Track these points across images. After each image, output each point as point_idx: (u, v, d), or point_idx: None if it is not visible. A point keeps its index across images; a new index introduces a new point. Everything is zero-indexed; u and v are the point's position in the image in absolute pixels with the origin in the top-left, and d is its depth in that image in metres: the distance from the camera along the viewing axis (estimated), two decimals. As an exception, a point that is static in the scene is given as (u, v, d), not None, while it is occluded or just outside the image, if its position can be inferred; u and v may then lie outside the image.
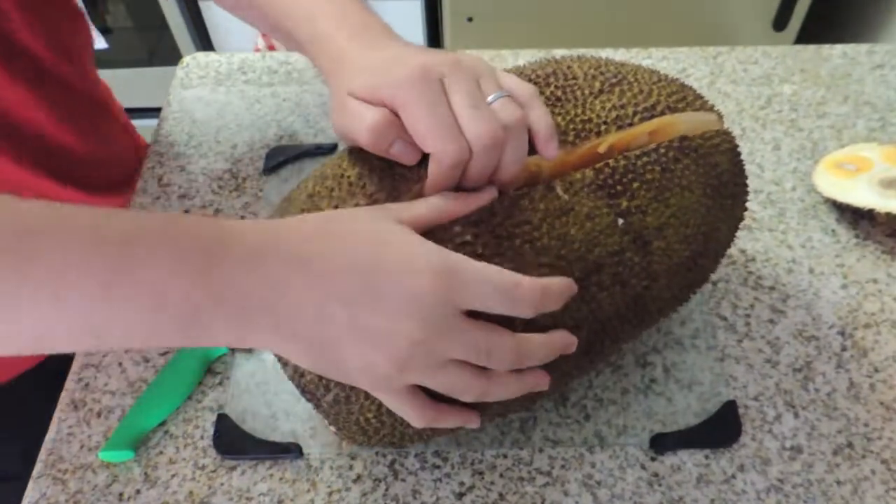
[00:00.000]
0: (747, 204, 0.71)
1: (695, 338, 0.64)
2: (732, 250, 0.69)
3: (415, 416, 0.44)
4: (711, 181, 0.51)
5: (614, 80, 0.51)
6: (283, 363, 0.50)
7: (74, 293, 0.36)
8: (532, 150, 0.47)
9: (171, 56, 1.81)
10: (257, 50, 1.72)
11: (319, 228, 0.42)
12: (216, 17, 1.76)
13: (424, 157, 0.46)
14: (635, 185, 0.48)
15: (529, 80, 0.51)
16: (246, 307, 0.39)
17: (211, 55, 0.90)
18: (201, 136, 0.81)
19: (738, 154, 0.54)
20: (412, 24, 1.68)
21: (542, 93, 0.50)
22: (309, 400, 0.49)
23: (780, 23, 1.63)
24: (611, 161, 0.48)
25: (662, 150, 0.49)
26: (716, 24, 1.65)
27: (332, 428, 0.51)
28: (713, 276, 0.67)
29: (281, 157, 0.78)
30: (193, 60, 0.90)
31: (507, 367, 0.43)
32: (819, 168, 0.72)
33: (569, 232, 0.46)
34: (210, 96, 0.85)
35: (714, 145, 0.52)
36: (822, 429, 0.59)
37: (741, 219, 0.56)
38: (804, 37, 1.64)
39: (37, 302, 0.36)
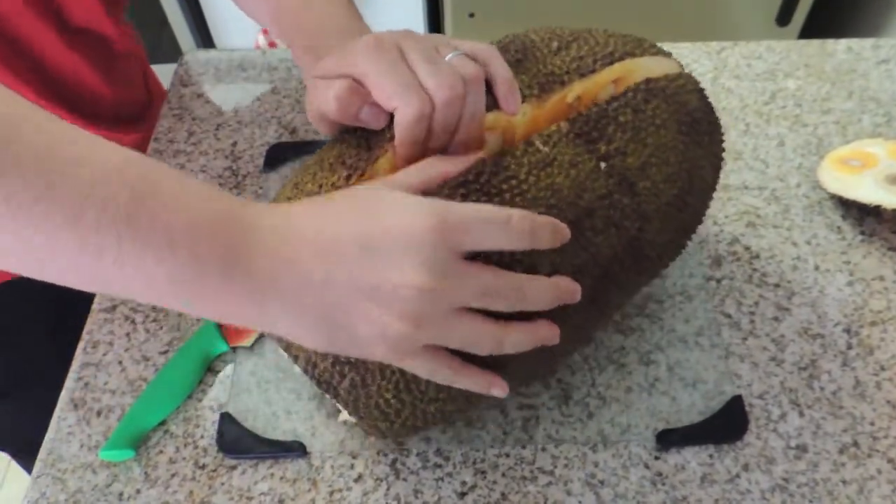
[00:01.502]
0: (751, 200, 0.71)
1: (699, 335, 0.63)
2: (737, 247, 0.69)
3: (440, 371, 0.44)
4: (684, 118, 0.52)
5: (570, 38, 0.53)
6: (295, 356, 0.49)
7: (89, 225, 0.35)
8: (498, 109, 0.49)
9: (171, 53, 1.80)
10: (257, 47, 1.72)
11: (316, 206, 0.43)
12: (217, 15, 1.75)
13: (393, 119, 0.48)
14: (610, 128, 0.49)
15: None
16: (253, 279, 0.39)
17: (211, 52, 0.90)
18: (201, 133, 0.81)
19: (705, 94, 0.56)
20: (414, 21, 1.67)
21: (505, 53, 0.52)
22: (325, 390, 0.48)
23: (783, 18, 1.62)
24: (583, 110, 0.50)
25: (630, 94, 0.51)
26: (719, 19, 1.64)
27: (353, 418, 0.50)
28: (717, 274, 0.67)
29: (281, 155, 0.77)
30: (193, 57, 0.89)
31: (515, 307, 0.43)
32: (824, 164, 0.72)
33: (555, 181, 0.47)
34: (210, 93, 0.85)
35: (680, 85, 0.53)
36: (827, 427, 0.58)
37: (721, 157, 0.57)
38: (808, 32, 1.64)
39: (51, 225, 0.35)
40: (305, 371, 0.48)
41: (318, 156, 0.52)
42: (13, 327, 0.65)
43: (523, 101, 0.50)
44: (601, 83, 0.52)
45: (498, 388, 0.46)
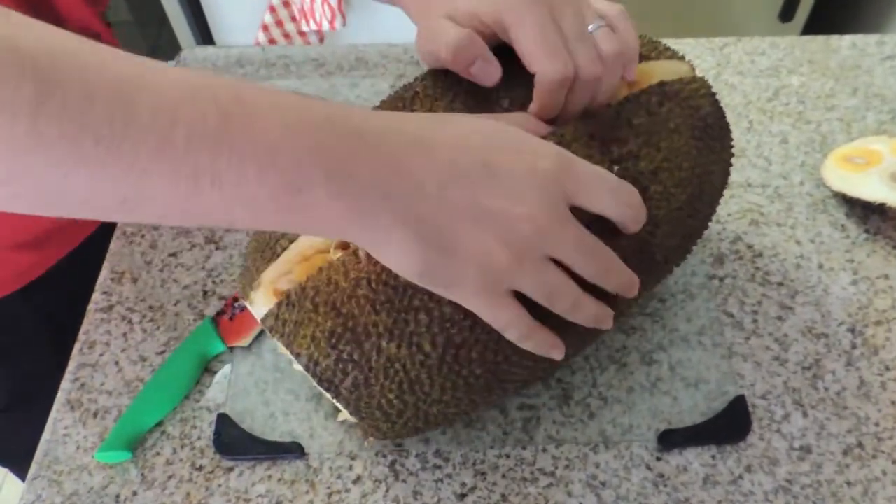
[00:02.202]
0: (754, 198, 0.70)
1: (701, 335, 0.62)
2: (739, 245, 0.68)
3: (516, 324, 0.43)
4: (697, 123, 0.52)
5: None
6: (297, 353, 0.48)
7: (179, 148, 0.33)
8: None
9: (171, 50, 1.79)
10: (257, 43, 1.71)
11: (434, 118, 0.42)
12: (216, 12, 1.75)
13: (503, 86, 0.49)
14: (624, 131, 0.49)
15: None
16: (361, 185, 0.37)
17: (208, 49, 0.89)
18: (199, 130, 0.80)
19: (717, 98, 0.55)
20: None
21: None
22: (326, 389, 0.48)
23: (786, 14, 1.61)
24: (597, 112, 0.49)
25: (645, 96, 0.50)
26: (721, 15, 1.63)
27: (354, 418, 0.50)
28: (719, 273, 0.66)
29: (280, 152, 0.76)
30: (190, 54, 0.88)
31: (595, 277, 0.43)
32: (828, 161, 0.71)
33: None
34: (208, 90, 0.84)
35: (694, 89, 0.53)
36: (831, 428, 0.58)
37: (730, 163, 0.57)
38: (811, 28, 1.63)
39: (142, 158, 0.32)
40: (307, 368, 0.48)
41: (423, 87, 0.51)
42: (14, 341, 0.64)
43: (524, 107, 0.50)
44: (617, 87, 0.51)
45: (558, 351, 0.46)
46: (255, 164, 0.34)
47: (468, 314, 0.44)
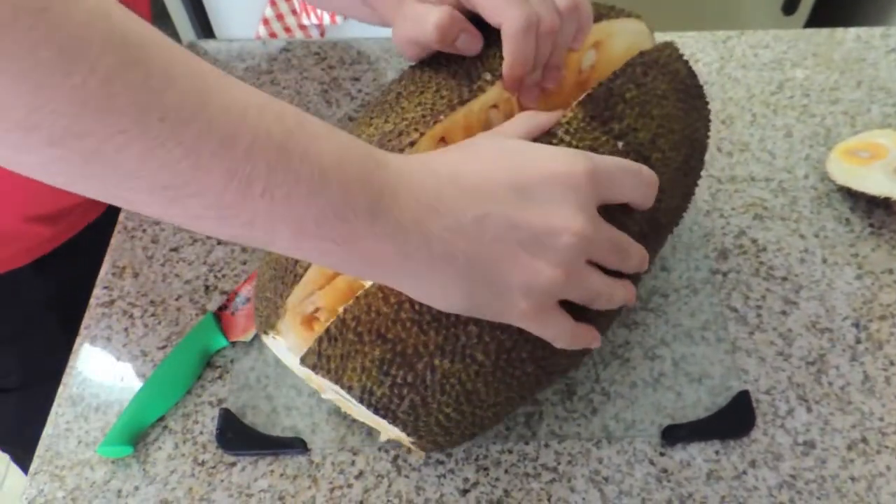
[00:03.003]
0: (758, 192, 0.70)
1: (704, 330, 0.62)
2: (743, 240, 0.67)
3: (565, 334, 0.43)
4: (679, 86, 0.54)
5: None
6: (349, 387, 0.46)
7: (241, 151, 0.33)
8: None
9: (172, 44, 1.79)
10: (258, 37, 1.71)
11: (458, 151, 0.42)
12: (217, 5, 1.74)
13: (480, 61, 0.51)
14: (619, 107, 0.50)
15: None
16: (404, 228, 0.37)
17: (209, 42, 0.89)
18: (200, 124, 0.80)
19: (686, 59, 0.58)
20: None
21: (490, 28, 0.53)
22: (383, 416, 0.47)
23: (789, 7, 1.61)
24: (590, 91, 0.50)
25: (630, 69, 0.52)
26: (724, 8, 1.62)
27: (410, 439, 0.49)
28: (723, 267, 0.66)
29: (281, 146, 0.76)
30: (191, 47, 0.88)
31: (622, 264, 0.44)
32: (832, 155, 0.71)
33: None
34: (209, 84, 0.84)
35: (669, 55, 0.55)
36: (835, 423, 0.57)
37: (709, 118, 0.59)
38: (814, 21, 1.62)
39: (203, 148, 0.32)
40: (361, 400, 0.46)
41: (405, 87, 0.52)
42: (25, 316, 0.64)
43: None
44: (584, 48, 0.53)
45: (598, 341, 0.47)
46: (308, 184, 0.34)
47: None
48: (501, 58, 0.49)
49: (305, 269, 0.48)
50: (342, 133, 0.38)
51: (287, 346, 0.49)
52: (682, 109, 0.54)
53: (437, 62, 0.53)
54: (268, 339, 0.52)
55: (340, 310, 0.46)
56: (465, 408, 0.47)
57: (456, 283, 0.39)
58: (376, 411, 0.47)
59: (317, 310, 0.48)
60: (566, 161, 0.40)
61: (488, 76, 0.50)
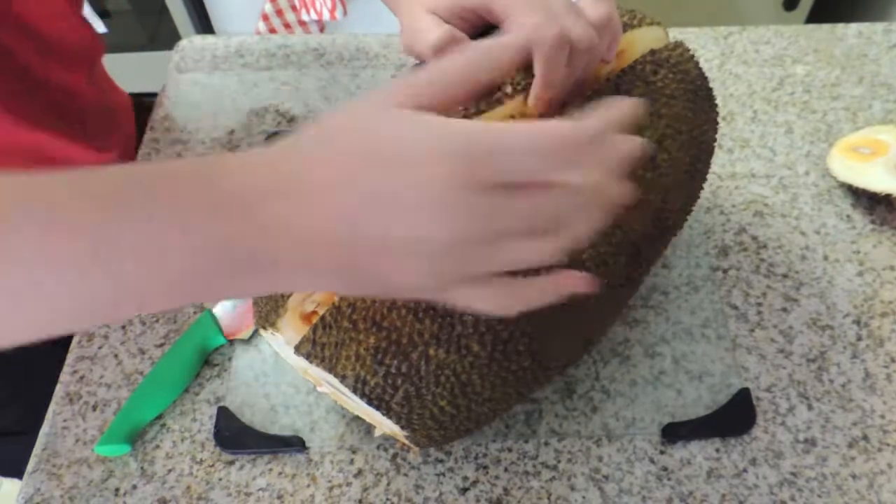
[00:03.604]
0: (759, 189, 0.70)
1: (705, 327, 0.62)
2: (744, 236, 0.67)
3: (501, 298, 0.36)
4: (689, 87, 0.53)
5: None
6: (342, 376, 0.46)
7: (62, 261, 0.30)
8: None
9: (171, 40, 1.77)
10: (258, 33, 1.70)
11: (302, 147, 0.35)
12: (216, 1, 1.73)
13: None
14: None
15: None
16: (261, 246, 0.33)
17: (207, 38, 0.88)
18: (198, 120, 0.79)
19: (697, 59, 0.56)
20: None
21: None
22: (377, 407, 0.46)
23: (790, 2, 1.60)
24: (597, 86, 0.49)
25: (639, 67, 0.50)
26: (725, 4, 1.62)
27: (404, 433, 0.48)
28: (723, 264, 0.65)
29: (280, 143, 0.76)
30: (189, 43, 0.88)
31: (581, 218, 0.35)
32: (834, 152, 0.70)
33: None
34: (206, 80, 0.83)
35: (680, 54, 0.54)
36: (836, 421, 0.57)
37: (717, 121, 0.57)
38: (814, 17, 1.61)
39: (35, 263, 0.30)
40: (355, 389, 0.46)
41: None
42: (27, 366, 0.64)
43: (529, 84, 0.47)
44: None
45: (581, 282, 0.38)
46: (146, 264, 0.32)
47: None
48: (525, 70, 0.46)
49: None
50: (173, 168, 0.35)
51: (285, 340, 0.48)
52: (691, 110, 0.52)
53: None
54: (266, 335, 0.52)
55: (336, 298, 0.46)
56: (459, 401, 0.46)
57: (340, 286, 0.37)
58: (370, 402, 0.46)
59: (317, 306, 0.48)
60: (426, 157, 0.32)
61: (509, 89, 0.47)
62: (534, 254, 0.35)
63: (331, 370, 0.46)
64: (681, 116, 0.51)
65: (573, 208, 0.34)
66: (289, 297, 0.48)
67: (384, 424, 0.50)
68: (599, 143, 0.34)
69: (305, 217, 0.33)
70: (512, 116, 0.49)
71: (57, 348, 0.63)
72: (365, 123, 0.35)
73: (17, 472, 0.60)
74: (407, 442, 0.51)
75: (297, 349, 0.47)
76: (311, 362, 0.46)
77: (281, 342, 0.50)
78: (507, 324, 0.45)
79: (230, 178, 0.33)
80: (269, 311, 0.50)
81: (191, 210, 0.32)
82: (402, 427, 0.47)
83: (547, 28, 0.42)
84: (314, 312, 0.48)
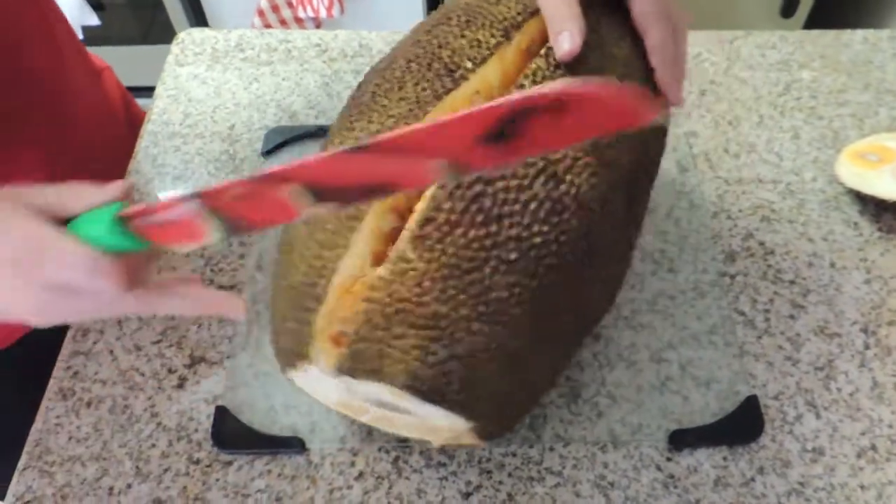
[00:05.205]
0: (766, 194, 0.69)
1: (712, 333, 0.61)
2: (751, 242, 0.66)
3: (113, 305, 0.44)
4: (630, 31, 0.53)
5: None
6: (392, 382, 0.44)
7: None
8: None
9: (165, 34, 1.76)
10: (253, 28, 1.68)
11: None
12: (212, -5, 1.72)
13: (458, 42, 0.50)
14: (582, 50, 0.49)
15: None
16: None
17: (207, 31, 0.87)
18: (197, 115, 0.78)
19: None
20: (412, 6, 1.64)
21: (449, 22, 0.52)
22: (436, 402, 0.44)
23: (787, 10, 1.60)
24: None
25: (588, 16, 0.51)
26: (722, 10, 1.62)
27: (468, 424, 0.47)
28: (731, 270, 0.65)
29: (280, 139, 0.74)
30: (189, 36, 0.86)
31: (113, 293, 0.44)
32: (841, 158, 0.70)
33: None
34: (206, 74, 0.82)
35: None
36: (844, 430, 0.56)
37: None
38: (811, 24, 1.62)
39: None
40: (410, 389, 0.44)
41: (377, 86, 0.51)
42: (20, 385, 0.63)
43: (490, 56, 0.49)
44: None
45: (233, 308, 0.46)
46: None
47: (533, 260, 0.44)
48: (478, 46, 0.49)
49: (326, 287, 0.45)
50: None
51: (320, 368, 0.46)
52: (641, 47, 0.53)
53: (403, 59, 0.51)
54: (297, 374, 0.49)
55: (361, 308, 0.44)
56: (514, 374, 0.46)
57: None
58: (427, 398, 0.44)
59: (344, 325, 0.45)
60: (11, 263, 0.41)
61: (469, 64, 0.49)
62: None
63: (380, 378, 0.44)
64: (631, 56, 0.52)
65: (122, 307, 0.44)
66: (311, 325, 0.45)
67: (444, 427, 0.48)
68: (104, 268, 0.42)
69: None
70: (477, 92, 0.49)
71: (53, 347, 0.62)
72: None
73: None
74: (471, 438, 0.49)
75: (340, 370, 0.44)
76: (356, 377, 0.44)
77: (315, 373, 0.47)
78: (539, 280, 0.44)
79: None
80: (293, 346, 0.47)
81: None
82: (466, 417, 0.46)
83: (660, 23, 0.50)
84: (341, 333, 0.45)
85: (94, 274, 0.41)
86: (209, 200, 0.37)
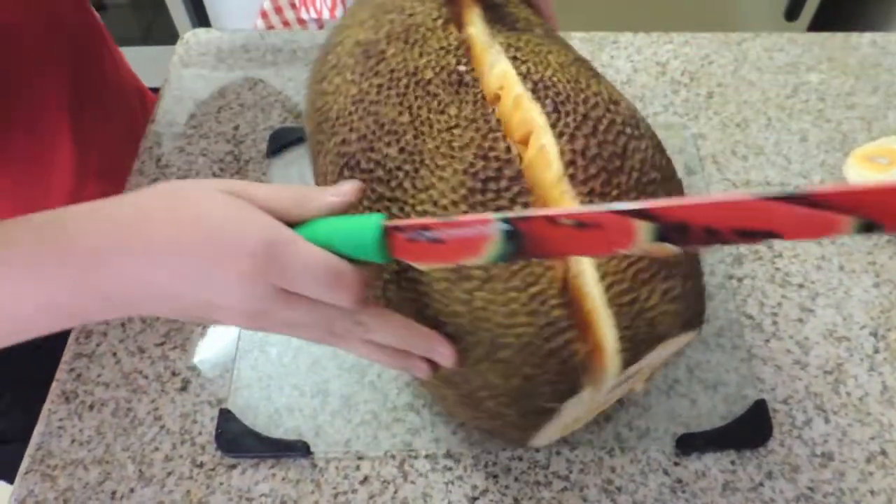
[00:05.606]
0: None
1: (720, 336, 0.61)
2: (759, 245, 0.66)
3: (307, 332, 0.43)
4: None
5: None
6: (677, 330, 0.45)
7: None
8: None
9: (166, 35, 1.76)
10: (255, 30, 1.68)
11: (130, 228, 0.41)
12: (215, -4, 1.72)
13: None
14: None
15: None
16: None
17: (212, 32, 0.86)
18: (202, 115, 0.78)
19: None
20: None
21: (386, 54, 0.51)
22: (696, 324, 0.46)
23: (792, 13, 1.60)
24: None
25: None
26: (726, 13, 1.61)
27: (697, 330, 0.47)
28: (738, 273, 0.64)
29: (285, 140, 0.74)
30: (194, 37, 0.86)
31: (326, 341, 0.44)
32: (850, 161, 0.69)
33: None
34: (211, 75, 0.82)
35: None
36: (854, 435, 0.56)
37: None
38: (815, 28, 1.61)
39: None
40: (682, 327, 0.44)
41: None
42: (29, 371, 0.63)
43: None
44: None
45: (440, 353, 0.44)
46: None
47: None
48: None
49: (570, 318, 0.43)
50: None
51: (606, 382, 0.44)
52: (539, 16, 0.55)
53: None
54: (550, 425, 0.47)
55: (611, 312, 0.43)
56: (698, 266, 0.48)
57: (167, 314, 0.43)
58: (690, 326, 0.45)
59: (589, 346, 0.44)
60: (237, 251, 0.39)
61: (463, 67, 0.48)
62: (312, 339, 0.44)
63: (659, 341, 0.44)
64: (549, 29, 0.53)
65: (339, 330, 0.42)
66: (575, 356, 0.43)
67: (670, 351, 0.49)
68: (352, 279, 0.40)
69: (149, 274, 0.40)
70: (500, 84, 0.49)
71: (59, 353, 0.62)
72: (199, 200, 0.41)
73: (11, 476, 0.58)
74: (687, 337, 0.48)
75: (626, 364, 0.43)
76: (639, 358, 0.44)
77: (583, 397, 0.45)
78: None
79: (84, 235, 0.40)
80: (547, 398, 0.44)
81: (44, 266, 0.39)
82: (699, 323, 0.47)
83: None
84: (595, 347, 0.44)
85: (338, 285, 0.40)
86: (526, 225, 0.35)
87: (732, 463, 0.55)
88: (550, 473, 0.54)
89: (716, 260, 0.65)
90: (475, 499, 0.53)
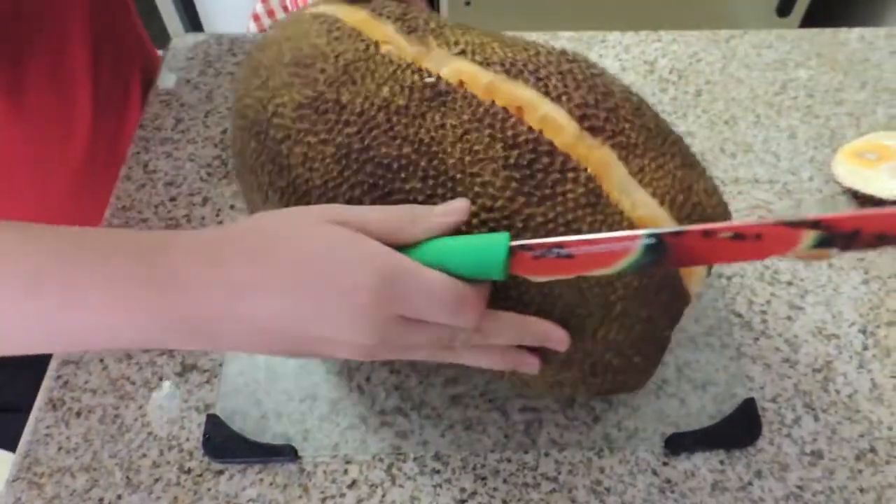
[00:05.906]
0: (763, 194, 0.68)
1: (708, 335, 0.60)
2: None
3: (431, 353, 0.44)
4: None
5: None
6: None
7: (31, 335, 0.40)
8: None
9: (160, 40, 1.76)
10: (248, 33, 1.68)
11: (249, 245, 0.40)
12: (207, 1, 1.71)
13: None
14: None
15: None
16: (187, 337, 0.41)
17: (199, 36, 0.86)
18: (189, 120, 0.77)
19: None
20: (409, 8, 1.63)
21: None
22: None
23: (783, 8, 1.60)
24: None
25: None
26: (718, 9, 1.61)
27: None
28: (727, 271, 0.64)
29: (273, 143, 0.74)
30: (181, 42, 0.86)
31: (449, 358, 0.44)
32: (839, 157, 0.69)
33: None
34: (198, 79, 0.81)
35: None
36: (843, 432, 0.56)
37: None
38: (807, 24, 1.61)
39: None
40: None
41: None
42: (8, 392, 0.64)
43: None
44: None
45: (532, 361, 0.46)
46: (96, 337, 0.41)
47: None
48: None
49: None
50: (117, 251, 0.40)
51: None
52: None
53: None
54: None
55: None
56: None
57: (279, 352, 0.42)
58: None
59: None
60: (358, 283, 0.38)
61: (431, 77, 0.47)
62: (424, 357, 0.44)
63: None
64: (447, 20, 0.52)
65: (458, 344, 0.42)
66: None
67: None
68: (481, 300, 0.40)
69: (250, 310, 0.39)
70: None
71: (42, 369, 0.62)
72: (299, 233, 0.40)
73: (13, 445, 0.58)
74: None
75: None
76: None
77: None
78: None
79: (185, 270, 0.39)
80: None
81: (136, 298, 0.39)
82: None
83: None
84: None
85: (463, 308, 0.39)
86: (676, 239, 0.35)
87: (721, 462, 0.55)
88: (539, 475, 0.54)
89: (704, 258, 0.65)
90: (464, 501, 0.53)
